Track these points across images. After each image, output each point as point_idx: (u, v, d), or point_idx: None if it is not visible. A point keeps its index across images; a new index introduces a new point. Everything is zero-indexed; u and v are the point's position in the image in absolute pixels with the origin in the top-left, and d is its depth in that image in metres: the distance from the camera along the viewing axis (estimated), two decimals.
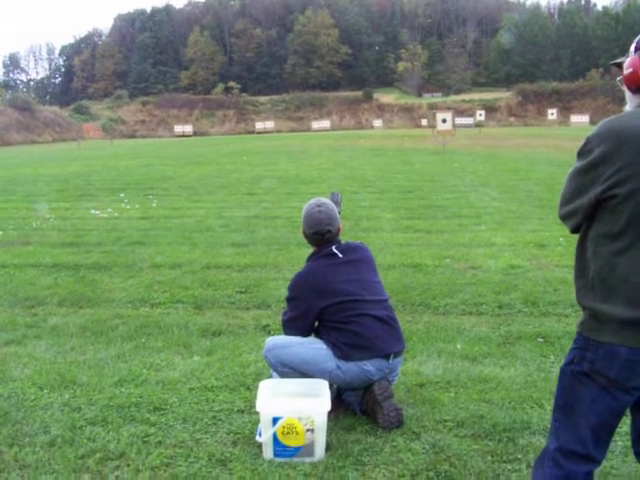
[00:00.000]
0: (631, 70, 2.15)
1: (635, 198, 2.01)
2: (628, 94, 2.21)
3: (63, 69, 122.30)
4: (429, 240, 8.96)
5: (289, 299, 3.82)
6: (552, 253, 7.93)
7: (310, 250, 3.94)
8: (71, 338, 5.24)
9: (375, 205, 12.52)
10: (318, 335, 3.80)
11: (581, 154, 2.15)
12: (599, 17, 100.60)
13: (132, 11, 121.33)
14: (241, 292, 6.46)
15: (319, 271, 3.73)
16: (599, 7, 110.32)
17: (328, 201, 3.81)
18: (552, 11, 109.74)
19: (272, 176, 18.52)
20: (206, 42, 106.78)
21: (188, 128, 75.82)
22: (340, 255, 3.75)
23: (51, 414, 3.82)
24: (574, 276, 2.28)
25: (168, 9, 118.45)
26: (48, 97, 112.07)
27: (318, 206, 3.71)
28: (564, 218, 2.26)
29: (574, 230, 2.25)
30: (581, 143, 2.16)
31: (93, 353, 4.89)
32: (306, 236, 3.82)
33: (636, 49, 2.15)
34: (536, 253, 8.03)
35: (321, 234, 3.72)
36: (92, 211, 12.58)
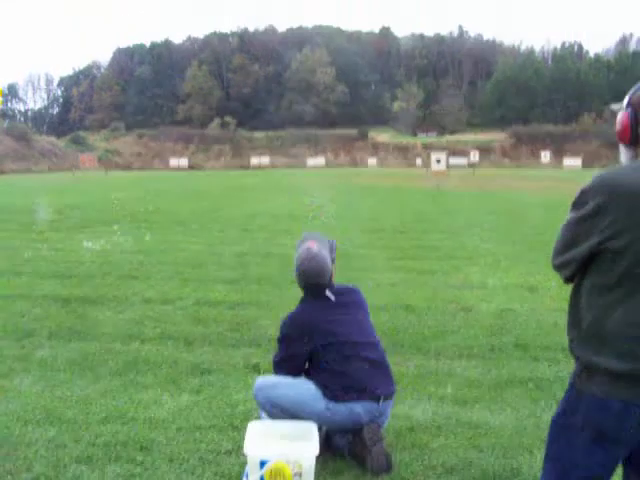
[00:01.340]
0: (620, 126, 2.19)
1: (629, 252, 2.02)
2: (621, 147, 2.24)
3: (61, 100, 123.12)
4: (421, 281, 8.95)
5: (280, 340, 3.81)
6: (544, 296, 7.93)
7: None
8: (59, 372, 5.19)
9: (368, 244, 12.52)
10: (308, 376, 3.77)
11: (576, 205, 2.17)
12: (592, 63, 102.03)
13: (131, 45, 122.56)
14: (232, 330, 6.43)
15: (310, 313, 3.72)
16: (592, 54, 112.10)
17: (318, 250, 3.75)
18: (546, 56, 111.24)
19: (266, 212, 18.55)
20: (204, 77, 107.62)
21: (184, 162, 76.02)
22: (332, 298, 3.74)
23: (35, 451, 3.77)
24: (567, 325, 2.28)
25: (167, 44, 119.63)
26: (45, 127, 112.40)
27: (309, 260, 3.68)
28: (558, 268, 2.26)
29: (568, 280, 2.25)
30: (576, 194, 2.18)
31: (81, 388, 4.84)
32: (298, 284, 3.81)
33: (628, 104, 2.18)
34: (528, 296, 8.03)
35: (311, 286, 3.72)
36: (85, 243, 12.54)
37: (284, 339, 3.77)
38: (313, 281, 3.69)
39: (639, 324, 2.04)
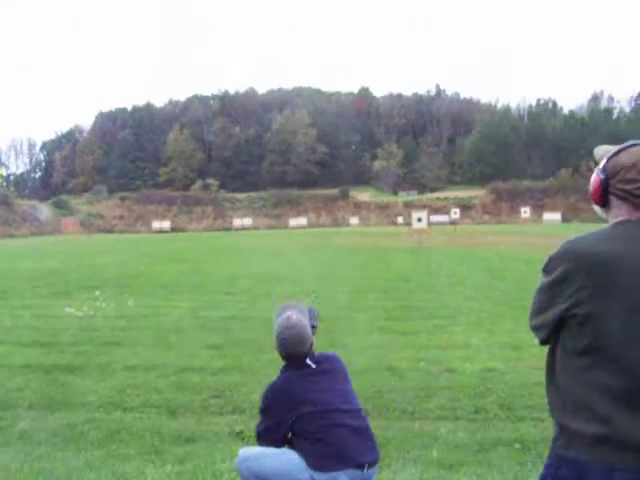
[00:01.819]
0: (592, 189, 2.28)
1: (594, 319, 2.09)
2: (596, 207, 2.34)
3: (43, 164, 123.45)
4: (405, 342, 8.94)
5: (262, 410, 3.80)
6: (527, 354, 7.94)
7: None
8: (40, 445, 5.12)
9: (351, 305, 12.51)
10: (291, 445, 3.75)
11: (545, 271, 2.26)
12: (566, 120, 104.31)
13: (113, 109, 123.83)
14: (215, 396, 6.38)
15: (291, 382, 3.72)
16: (566, 110, 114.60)
17: (298, 319, 3.76)
18: (522, 113, 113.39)
19: (249, 275, 18.52)
20: (185, 140, 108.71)
21: (166, 224, 76.20)
22: (313, 366, 3.75)
23: None
24: (545, 389, 2.32)
25: (149, 107, 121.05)
26: (27, 191, 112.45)
27: (289, 329, 3.69)
28: (533, 330, 2.34)
29: (543, 342, 2.32)
30: (545, 260, 2.27)
31: (62, 461, 4.78)
32: (278, 353, 3.82)
33: (603, 169, 2.27)
34: (511, 355, 8.03)
35: (292, 355, 3.74)
36: (67, 309, 12.43)
37: (266, 410, 3.76)
38: (293, 350, 3.70)
39: (610, 389, 2.08)
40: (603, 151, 2.33)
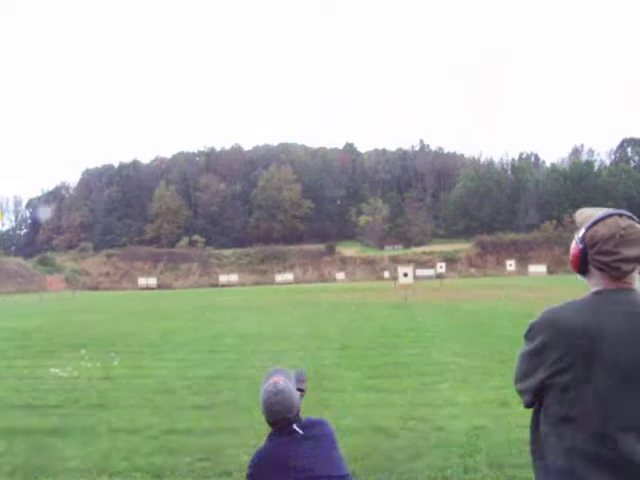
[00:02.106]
0: (572, 257, 2.33)
1: (572, 389, 2.14)
2: (578, 276, 2.39)
3: (29, 221, 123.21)
4: (392, 400, 8.89)
5: (248, 476, 3.77)
6: (515, 412, 7.89)
7: None
8: None
9: (338, 363, 12.43)
10: None
11: (526, 338, 2.32)
12: (548, 173, 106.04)
13: (100, 166, 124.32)
14: (202, 459, 6.30)
15: (277, 449, 3.70)
16: (548, 163, 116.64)
17: (285, 385, 3.75)
18: (505, 166, 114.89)
19: (235, 333, 18.41)
20: (171, 196, 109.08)
21: (152, 281, 75.93)
22: (300, 432, 3.73)
23: None
24: (530, 451, 2.35)
25: (135, 164, 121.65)
26: (13, 248, 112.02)
27: (275, 395, 3.68)
28: (518, 393, 2.39)
29: (528, 406, 2.36)
30: (527, 327, 2.33)
31: None
32: (265, 419, 3.81)
33: (581, 239, 2.32)
34: (500, 412, 8.00)
35: (278, 422, 3.72)
36: (52, 370, 12.31)
37: (251, 476, 3.73)
38: (280, 416, 3.69)
39: (591, 455, 2.12)
40: (584, 217, 2.38)
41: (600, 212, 2.32)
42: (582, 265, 2.32)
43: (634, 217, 2.29)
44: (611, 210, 2.30)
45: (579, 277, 2.40)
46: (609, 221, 2.26)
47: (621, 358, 2.13)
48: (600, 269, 2.27)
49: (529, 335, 2.31)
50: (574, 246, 2.35)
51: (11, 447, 6.91)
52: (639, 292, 2.26)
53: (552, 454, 2.20)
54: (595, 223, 2.29)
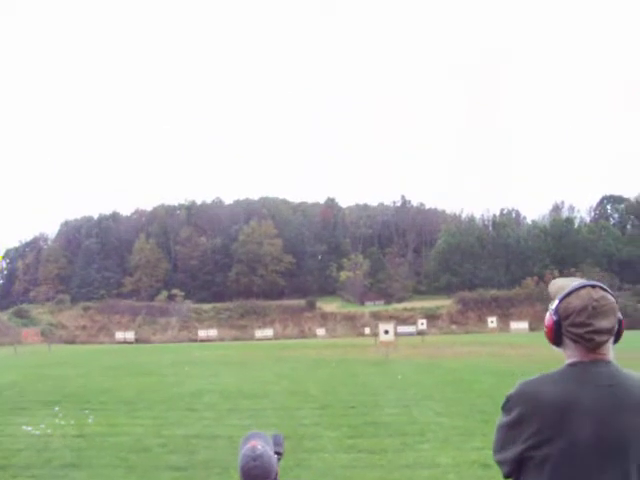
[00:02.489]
0: (546, 328, 2.36)
1: (549, 463, 2.15)
2: (553, 347, 2.40)
3: (5, 272, 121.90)
4: (372, 461, 8.77)
5: None
6: (496, 473, 7.77)
7: None
8: None
9: (317, 422, 12.26)
10: None
11: (503, 410, 2.33)
12: (529, 229, 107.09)
13: (79, 217, 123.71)
14: None
15: None
16: (529, 220, 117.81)
17: (263, 449, 3.70)
18: (486, 222, 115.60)
19: (214, 390, 18.17)
20: (151, 249, 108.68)
21: (130, 335, 75.10)
22: None
23: None
24: None
25: (115, 216, 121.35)
26: None
27: (254, 460, 3.63)
28: (497, 464, 2.39)
29: (506, 477, 2.35)
30: (504, 399, 2.34)
31: None
32: None
33: (555, 311, 2.33)
34: (481, 474, 7.92)
35: None
36: (24, 427, 12.04)
37: None
38: None
39: None
40: (556, 287, 2.40)
41: (574, 283, 2.34)
42: (556, 337, 2.33)
43: (607, 288, 2.31)
44: (584, 281, 2.32)
45: (554, 348, 2.41)
46: (582, 292, 2.28)
47: (598, 432, 2.13)
48: (574, 341, 2.28)
49: (506, 407, 2.31)
50: (548, 318, 2.36)
51: None
52: (614, 364, 2.28)
53: None
54: (568, 294, 2.30)
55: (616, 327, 2.27)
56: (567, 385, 2.21)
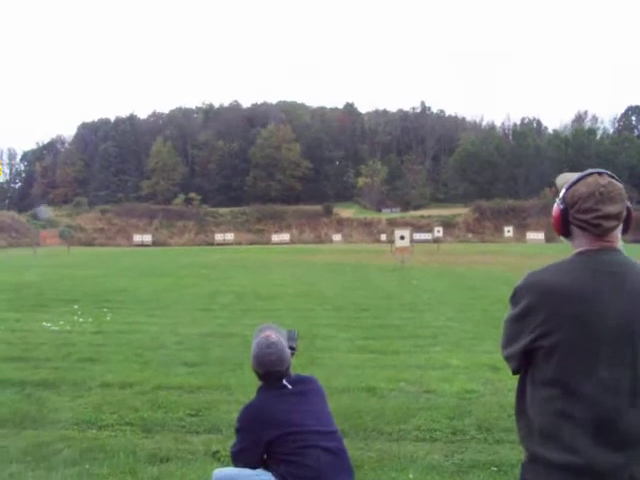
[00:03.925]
0: (553, 220, 2.30)
1: (558, 351, 2.12)
2: (562, 239, 2.36)
3: (24, 174, 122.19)
4: (384, 361, 8.90)
5: (237, 431, 3.78)
6: (506, 377, 7.88)
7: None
8: (11, 464, 5.02)
9: (331, 324, 12.46)
10: (267, 467, 3.72)
11: (511, 302, 2.31)
12: (550, 139, 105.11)
13: (96, 120, 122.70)
14: (192, 415, 6.31)
15: (267, 403, 3.70)
16: (550, 130, 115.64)
17: (277, 338, 3.77)
18: (507, 131, 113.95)
19: (229, 291, 18.46)
20: (168, 152, 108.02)
21: (147, 238, 75.88)
22: (289, 387, 3.73)
23: None
24: (515, 416, 2.34)
25: (132, 119, 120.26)
26: (7, 202, 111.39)
27: (267, 347, 3.69)
28: (505, 359, 2.37)
29: (514, 372, 2.35)
30: (512, 291, 2.31)
31: None
32: (255, 372, 3.80)
33: (562, 200, 2.29)
34: (491, 376, 8.01)
35: (270, 374, 3.71)
36: (44, 323, 12.31)
37: (241, 430, 3.74)
38: (271, 369, 3.68)
39: (575, 419, 2.11)
40: (564, 180, 2.36)
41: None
42: (564, 226, 2.30)
43: (614, 176, 2.27)
44: (591, 169, 2.29)
45: (564, 240, 2.38)
46: (589, 180, 2.25)
47: (606, 319, 2.11)
48: (581, 228, 2.25)
49: (514, 299, 2.29)
50: (555, 208, 2.33)
51: (1, 399, 6.91)
52: (622, 251, 2.25)
53: (536, 416, 2.19)
54: (575, 183, 2.28)
55: (624, 214, 2.23)
56: (575, 273, 2.19)
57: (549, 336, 2.14)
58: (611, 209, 2.19)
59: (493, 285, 20.04)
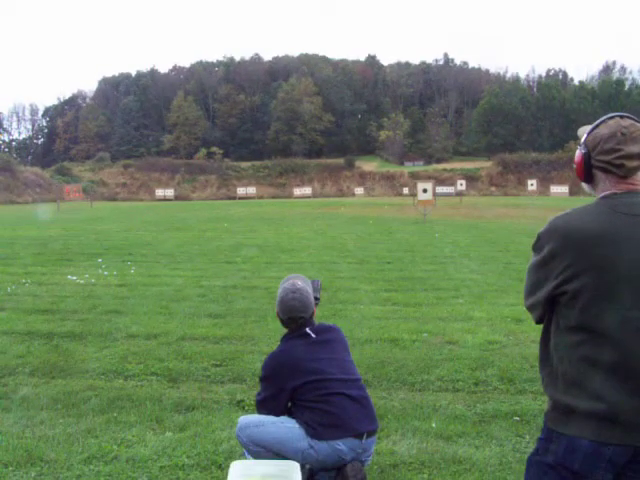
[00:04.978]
0: (576, 165, 2.27)
1: (583, 295, 2.09)
2: (584, 185, 2.33)
3: (46, 130, 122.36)
4: (407, 313, 8.93)
5: (262, 379, 3.83)
6: (529, 328, 7.92)
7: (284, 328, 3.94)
8: (41, 411, 5.15)
9: (354, 276, 12.50)
10: (291, 414, 3.77)
11: (535, 249, 2.27)
12: (576, 91, 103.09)
13: (117, 74, 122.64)
14: (216, 365, 6.40)
15: (292, 351, 3.74)
16: (576, 81, 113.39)
17: (303, 285, 3.80)
18: (531, 84, 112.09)
19: (252, 244, 18.54)
20: (190, 107, 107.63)
21: (170, 192, 76.10)
22: (313, 335, 3.76)
23: None
24: (539, 364, 2.33)
25: (153, 73, 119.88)
26: (30, 158, 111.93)
27: (293, 292, 3.72)
28: (528, 309, 2.35)
29: (538, 321, 2.33)
30: (535, 238, 2.28)
31: (63, 427, 4.80)
32: (280, 319, 3.83)
33: (584, 144, 2.27)
34: (513, 328, 8.02)
35: (294, 320, 3.74)
36: (69, 277, 12.46)
37: (266, 379, 3.79)
38: (295, 315, 3.72)
39: (601, 364, 2.09)
40: (585, 130, 2.33)
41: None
42: (587, 171, 2.27)
43: (636, 119, 2.23)
44: (612, 113, 2.26)
45: (587, 188, 2.35)
46: (610, 122, 2.22)
47: (630, 261, 2.08)
48: (604, 170, 2.22)
49: (537, 245, 2.26)
50: (577, 154, 2.31)
51: (30, 349, 7.04)
52: None
53: (561, 363, 2.18)
54: (596, 126, 2.25)
55: None
56: (599, 216, 2.15)
57: (574, 280, 2.11)
58: (633, 149, 2.15)
59: (516, 238, 19.95)
